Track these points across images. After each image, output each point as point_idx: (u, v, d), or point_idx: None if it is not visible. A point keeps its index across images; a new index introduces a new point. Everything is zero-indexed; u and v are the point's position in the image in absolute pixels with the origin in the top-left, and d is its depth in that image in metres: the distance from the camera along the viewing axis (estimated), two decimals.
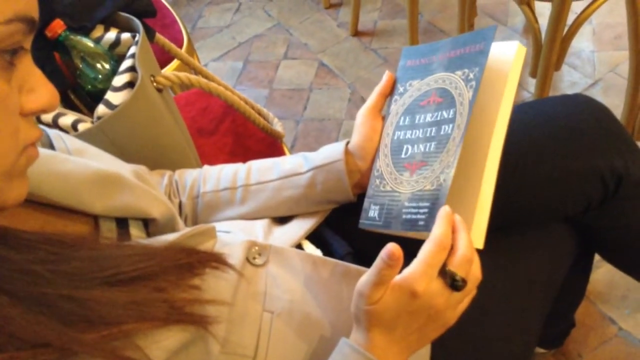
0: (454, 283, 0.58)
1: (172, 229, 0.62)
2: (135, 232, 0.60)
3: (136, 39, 0.94)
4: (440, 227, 0.59)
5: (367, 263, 0.70)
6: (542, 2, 1.43)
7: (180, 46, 1.44)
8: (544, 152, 0.78)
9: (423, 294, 0.57)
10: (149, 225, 0.62)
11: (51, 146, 0.64)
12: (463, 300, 0.61)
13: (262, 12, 2.44)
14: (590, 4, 1.42)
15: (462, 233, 0.60)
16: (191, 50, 1.47)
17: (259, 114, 1.24)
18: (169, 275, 0.54)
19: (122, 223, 0.60)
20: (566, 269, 0.85)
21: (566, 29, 1.39)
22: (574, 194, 0.79)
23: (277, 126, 1.20)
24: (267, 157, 1.18)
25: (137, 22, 0.96)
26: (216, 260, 0.60)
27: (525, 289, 0.80)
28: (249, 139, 1.20)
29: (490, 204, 0.68)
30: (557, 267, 0.83)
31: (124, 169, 0.63)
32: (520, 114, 0.82)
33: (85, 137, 0.82)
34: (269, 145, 1.19)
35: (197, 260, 0.58)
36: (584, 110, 0.81)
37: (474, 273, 0.60)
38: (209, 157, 1.17)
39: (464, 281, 0.58)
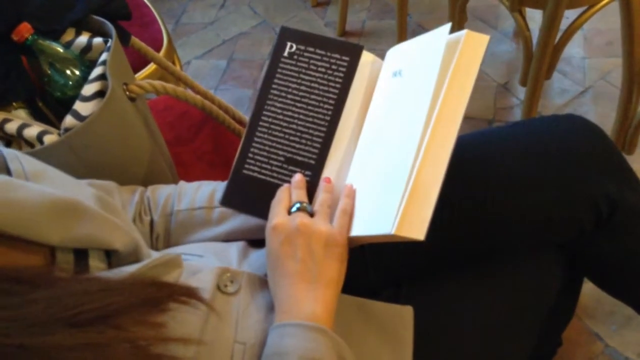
0: (295, 206, 0.69)
1: (136, 258, 0.58)
2: (95, 263, 0.55)
3: (108, 44, 0.89)
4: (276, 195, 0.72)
5: (347, 289, 0.66)
6: (534, 9, 1.39)
7: (160, 46, 1.38)
8: (535, 177, 0.74)
9: (280, 224, 0.65)
10: (110, 254, 0.57)
11: (7, 168, 0.59)
12: (325, 215, 0.68)
13: (247, 9, 2.38)
14: (584, 12, 1.39)
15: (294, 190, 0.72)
16: (171, 51, 1.41)
17: (240, 122, 1.19)
18: (132, 312, 0.50)
19: (81, 254, 0.55)
20: (555, 294, 0.82)
21: (558, 36, 1.35)
22: (565, 221, 0.75)
23: None
24: None
25: (110, 26, 0.91)
26: (186, 294, 0.56)
27: (513, 316, 0.77)
28: (229, 148, 1.15)
29: (436, 196, 0.61)
30: (545, 294, 0.80)
31: (86, 194, 0.58)
32: (511, 135, 0.79)
33: (51, 151, 0.77)
34: None
35: (166, 295, 0.53)
36: (577, 132, 0.77)
37: (317, 199, 0.71)
38: (186, 167, 1.12)
39: (302, 204, 0.68)
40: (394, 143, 0.67)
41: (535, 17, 1.86)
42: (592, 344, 1.31)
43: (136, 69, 1.32)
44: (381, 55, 0.80)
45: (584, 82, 1.78)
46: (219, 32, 2.28)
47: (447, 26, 0.67)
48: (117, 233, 0.55)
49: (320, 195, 0.71)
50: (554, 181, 0.74)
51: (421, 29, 2.08)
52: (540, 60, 1.32)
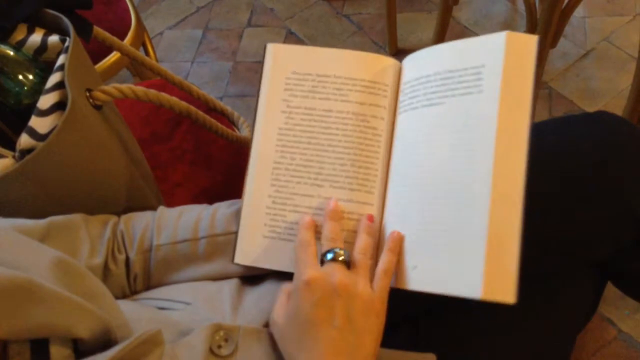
0: (328, 255, 0.57)
1: (108, 338, 0.48)
2: (59, 351, 0.45)
3: (66, 44, 0.76)
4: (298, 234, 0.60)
5: None
6: None
7: (128, 28, 1.25)
8: (566, 190, 0.65)
9: (315, 280, 0.54)
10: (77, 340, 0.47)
11: None
12: (366, 269, 0.56)
13: None
14: None
15: (325, 221, 0.60)
16: (141, 32, 1.28)
17: (223, 113, 1.08)
18: None
19: (39, 342, 0.45)
20: (586, 311, 0.74)
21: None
22: (602, 238, 0.66)
23: (244, 129, 1.04)
24: (234, 167, 1.03)
25: (67, 22, 0.78)
26: None
27: (544, 346, 0.69)
28: (211, 145, 1.04)
29: (518, 241, 0.52)
30: (577, 317, 0.72)
31: (41, 263, 0.47)
32: (536, 141, 0.69)
33: (4, 183, 0.65)
34: (235, 152, 1.04)
35: None
36: (611, 133, 0.68)
37: (357, 243, 0.59)
38: (165, 169, 1.01)
39: (336, 251, 0.57)
40: (454, 181, 0.56)
41: None
42: (604, 329, 1.25)
43: (102, 56, 1.18)
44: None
45: (585, 44, 1.67)
46: None
47: (502, 34, 0.55)
48: (80, 316, 0.45)
49: (361, 239, 0.59)
50: (587, 193, 0.65)
51: None
52: (546, 28, 1.21)
